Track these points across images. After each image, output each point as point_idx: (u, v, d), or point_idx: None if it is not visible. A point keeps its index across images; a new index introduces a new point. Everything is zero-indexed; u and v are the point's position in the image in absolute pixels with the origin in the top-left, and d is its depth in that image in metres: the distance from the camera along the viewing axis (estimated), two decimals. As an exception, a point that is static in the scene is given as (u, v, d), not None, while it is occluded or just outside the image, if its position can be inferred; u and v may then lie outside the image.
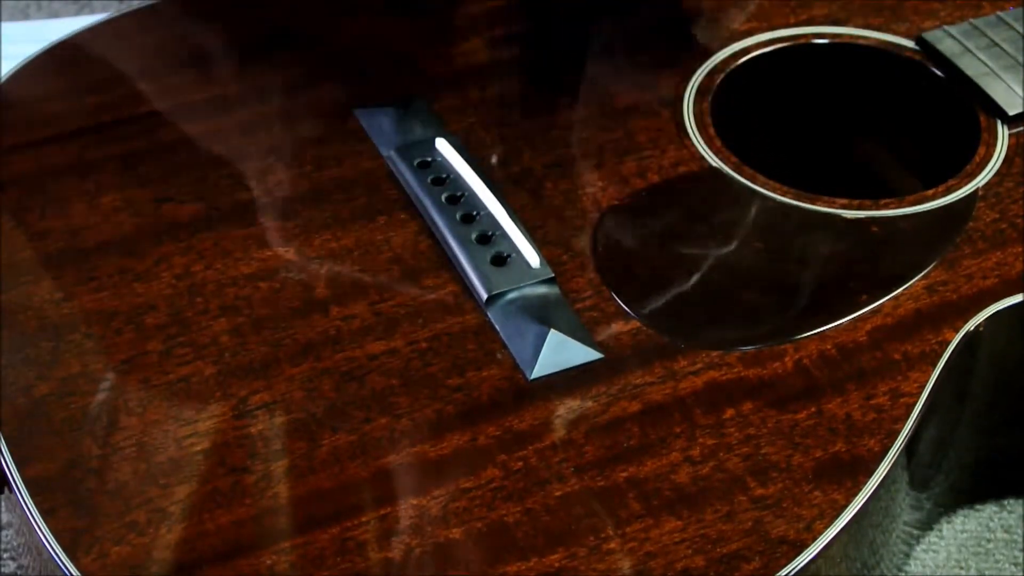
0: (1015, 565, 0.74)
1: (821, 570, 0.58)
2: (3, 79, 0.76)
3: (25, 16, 1.07)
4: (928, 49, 0.78)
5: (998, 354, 0.67)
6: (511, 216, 0.67)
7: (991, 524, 0.76)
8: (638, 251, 0.68)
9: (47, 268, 0.66)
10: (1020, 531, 0.75)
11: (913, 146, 0.81)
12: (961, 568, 0.74)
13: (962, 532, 0.75)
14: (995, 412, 0.70)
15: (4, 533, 0.74)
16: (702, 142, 0.73)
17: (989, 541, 0.75)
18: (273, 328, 0.64)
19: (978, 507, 0.76)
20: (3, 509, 0.72)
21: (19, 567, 0.71)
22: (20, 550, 0.67)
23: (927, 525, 0.75)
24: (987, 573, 0.74)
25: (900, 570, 0.72)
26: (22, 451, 0.59)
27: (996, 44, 0.77)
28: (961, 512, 0.76)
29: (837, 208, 0.70)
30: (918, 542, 0.74)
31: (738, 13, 0.81)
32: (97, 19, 0.80)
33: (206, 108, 0.75)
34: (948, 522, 0.76)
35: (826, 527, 0.57)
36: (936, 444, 0.67)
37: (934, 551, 0.74)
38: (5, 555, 0.73)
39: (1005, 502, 0.77)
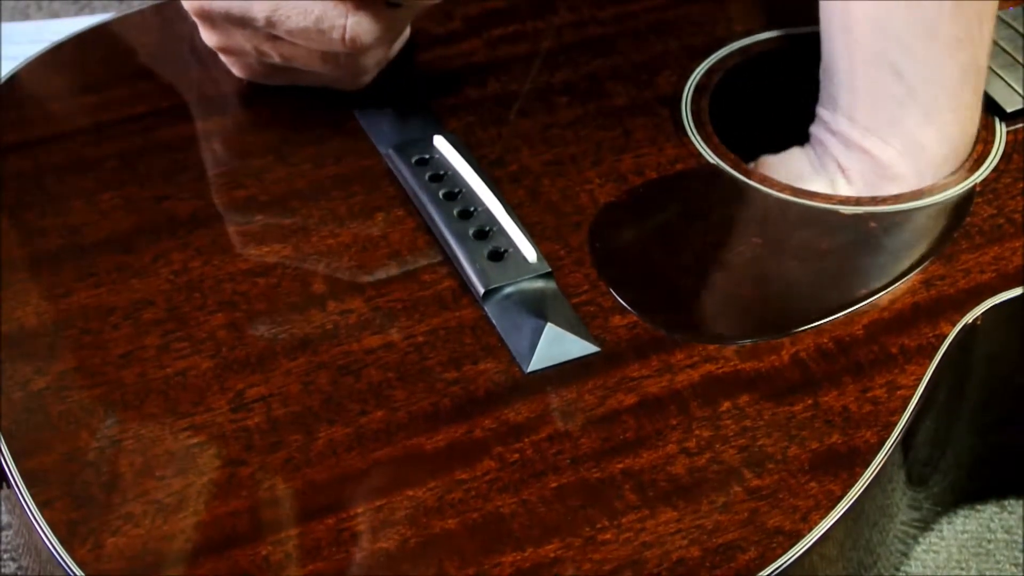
0: (1015, 566, 0.74)
1: (818, 569, 0.58)
2: (3, 79, 0.76)
3: (25, 16, 1.08)
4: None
5: (995, 348, 0.67)
6: (508, 212, 0.67)
7: (991, 525, 0.76)
8: (635, 246, 0.68)
9: (46, 264, 0.67)
10: (1021, 532, 0.75)
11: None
12: (962, 568, 0.73)
13: (962, 532, 0.75)
14: (993, 409, 0.70)
15: (4, 534, 0.74)
16: (700, 139, 0.73)
17: (990, 542, 0.75)
18: (270, 323, 0.64)
19: (978, 507, 0.76)
20: (3, 510, 0.72)
21: (19, 567, 0.71)
22: (20, 550, 0.67)
23: (927, 525, 0.75)
24: (987, 574, 0.73)
25: (898, 570, 0.72)
26: (19, 444, 0.59)
27: (995, 43, 0.77)
28: (961, 512, 0.76)
29: (834, 204, 0.70)
30: (918, 542, 0.74)
31: (737, 12, 0.81)
32: (97, 19, 0.80)
33: (204, 107, 0.75)
34: (948, 522, 0.75)
35: (822, 518, 0.57)
36: (933, 441, 0.67)
37: (934, 551, 0.74)
38: (5, 555, 0.73)
39: (1005, 502, 0.76)
